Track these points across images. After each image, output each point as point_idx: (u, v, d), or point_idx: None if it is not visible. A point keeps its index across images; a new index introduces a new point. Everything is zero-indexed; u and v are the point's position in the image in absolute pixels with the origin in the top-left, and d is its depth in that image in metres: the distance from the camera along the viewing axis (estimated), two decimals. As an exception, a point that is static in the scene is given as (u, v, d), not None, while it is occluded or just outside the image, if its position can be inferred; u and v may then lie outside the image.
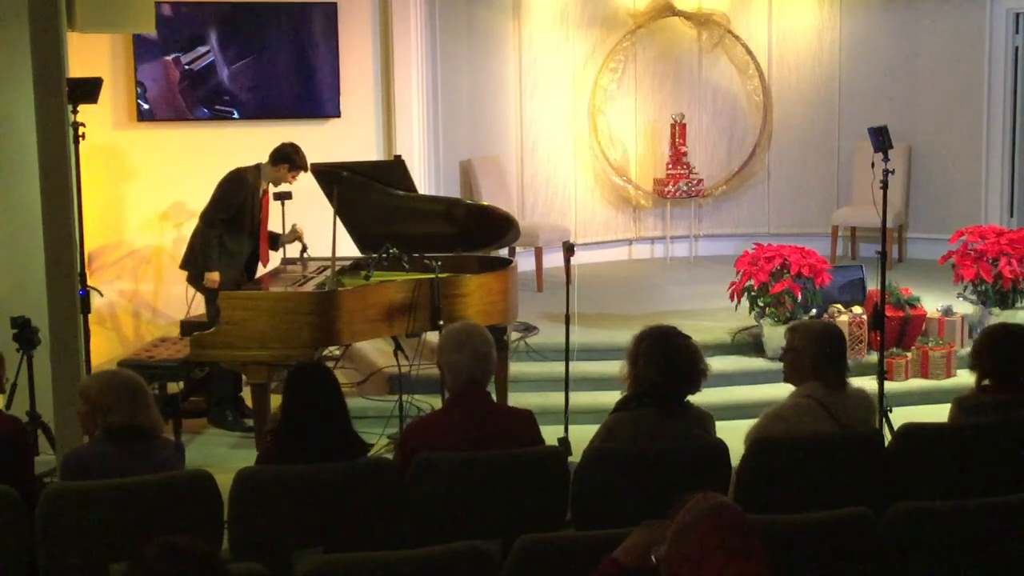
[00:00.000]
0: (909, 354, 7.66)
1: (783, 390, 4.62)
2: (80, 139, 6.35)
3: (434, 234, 6.86)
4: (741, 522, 2.66)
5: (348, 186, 6.59)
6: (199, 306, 7.45)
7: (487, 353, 4.26)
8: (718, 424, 4.35)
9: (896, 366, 7.53)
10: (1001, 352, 4.52)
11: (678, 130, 10.39)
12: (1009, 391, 4.48)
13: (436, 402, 6.74)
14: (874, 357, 6.86)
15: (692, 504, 2.68)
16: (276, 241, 7.39)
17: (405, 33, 9.12)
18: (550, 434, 5.70)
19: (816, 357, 4.33)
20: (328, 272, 6.72)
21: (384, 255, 6.56)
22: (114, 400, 4.10)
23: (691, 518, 2.65)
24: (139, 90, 8.59)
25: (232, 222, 7.11)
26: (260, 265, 7.36)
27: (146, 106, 8.62)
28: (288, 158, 7.14)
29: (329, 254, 6.59)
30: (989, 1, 10.08)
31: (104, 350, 7.99)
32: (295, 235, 7.34)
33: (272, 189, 7.39)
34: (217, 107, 8.82)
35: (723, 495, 2.78)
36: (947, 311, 7.91)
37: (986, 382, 4.58)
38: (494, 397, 5.04)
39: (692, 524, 2.64)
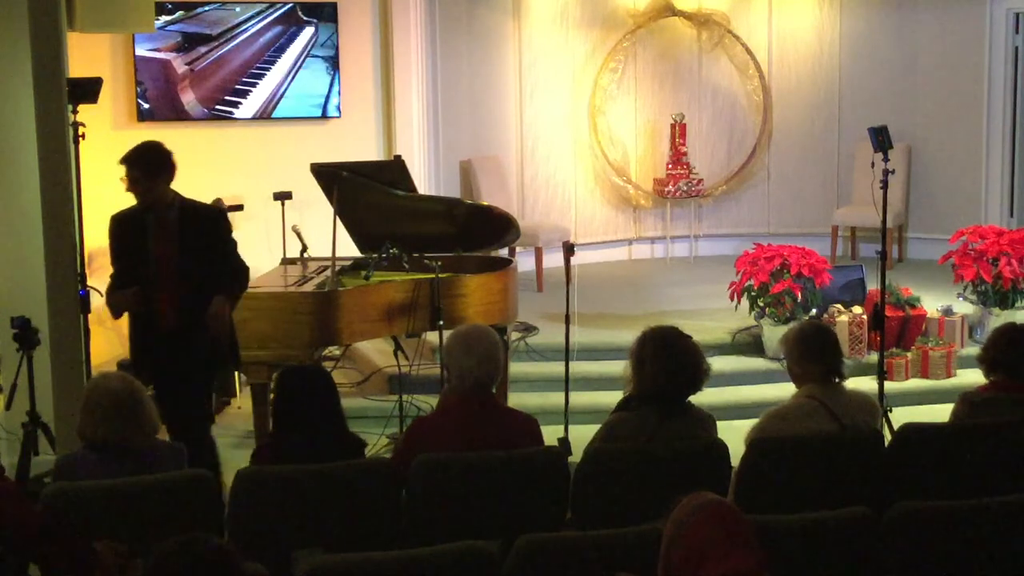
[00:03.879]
0: (909, 354, 7.65)
1: (783, 390, 4.64)
2: (80, 139, 6.33)
3: (434, 234, 6.86)
4: (738, 515, 2.67)
5: (348, 186, 6.58)
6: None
7: (496, 357, 4.26)
8: (718, 424, 4.35)
9: (896, 366, 7.53)
10: (1013, 348, 4.55)
11: (678, 130, 10.39)
12: (1020, 388, 4.50)
13: (436, 402, 6.73)
14: (874, 357, 6.87)
15: (687, 502, 2.69)
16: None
17: (405, 33, 9.12)
18: (550, 434, 5.71)
19: (797, 361, 4.36)
20: (328, 272, 6.72)
21: (384, 255, 6.57)
22: (89, 412, 4.05)
23: (688, 514, 2.65)
24: (139, 90, 8.59)
25: (125, 271, 5.54)
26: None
27: (146, 106, 8.63)
28: None
29: (329, 254, 6.59)
30: (989, 1, 10.07)
31: (104, 350, 7.97)
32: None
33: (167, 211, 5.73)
34: (217, 107, 8.82)
35: (714, 494, 2.78)
36: (947, 311, 7.90)
37: (994, 377, 4.60)
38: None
39: (690, 519, 2.64)
